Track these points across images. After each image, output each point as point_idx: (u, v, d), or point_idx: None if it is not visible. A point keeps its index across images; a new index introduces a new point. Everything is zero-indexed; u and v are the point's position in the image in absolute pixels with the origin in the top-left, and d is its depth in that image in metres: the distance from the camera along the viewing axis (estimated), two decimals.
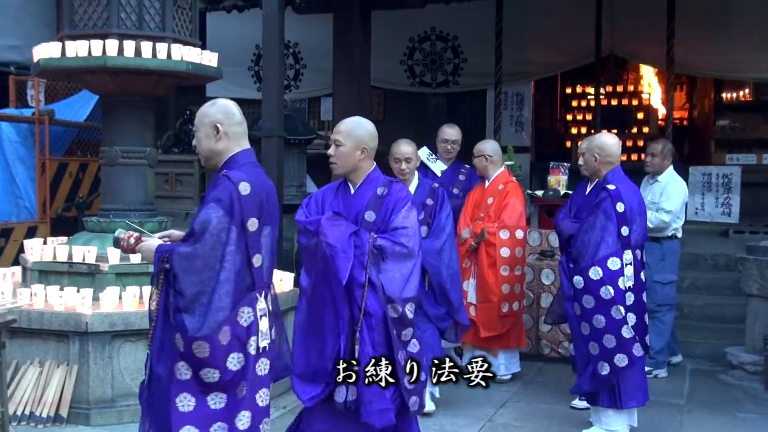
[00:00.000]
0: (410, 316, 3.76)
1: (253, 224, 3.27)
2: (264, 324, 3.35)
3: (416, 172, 5.36)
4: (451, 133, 6.74)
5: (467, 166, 6.89)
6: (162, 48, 5.61)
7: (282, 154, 7.07)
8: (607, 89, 13.09)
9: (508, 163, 8.05)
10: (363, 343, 3.68)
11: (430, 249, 4.94)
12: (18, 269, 6.15)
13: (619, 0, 10.19)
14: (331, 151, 3.93)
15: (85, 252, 5.55)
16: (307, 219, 3.86)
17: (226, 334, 3.19)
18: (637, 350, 4.86)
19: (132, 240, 3.50)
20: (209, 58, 6.01)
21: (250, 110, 12.79)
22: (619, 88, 13.47)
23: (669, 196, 6.66)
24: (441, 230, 5.16)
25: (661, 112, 13.08)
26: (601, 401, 4.99)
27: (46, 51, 5.69)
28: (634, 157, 12.77)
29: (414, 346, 3.81)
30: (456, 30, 11.61)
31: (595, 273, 4.81)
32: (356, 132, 3.88)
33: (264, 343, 3.34)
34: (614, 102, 13.36)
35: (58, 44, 5.65)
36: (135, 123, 5.98)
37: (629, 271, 4.89)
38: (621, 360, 4.81)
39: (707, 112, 12.60)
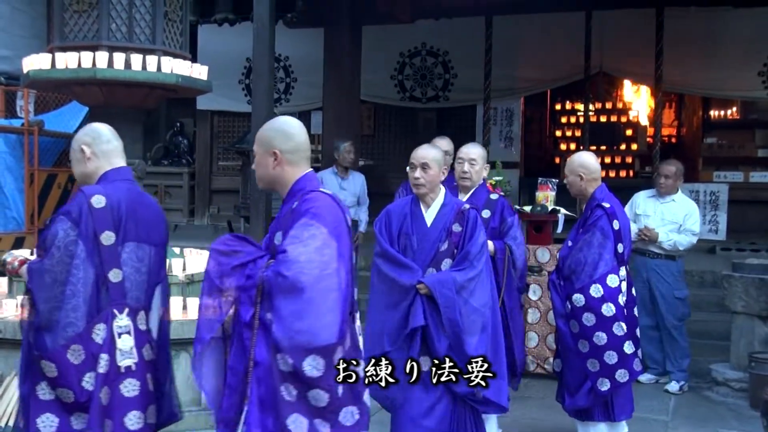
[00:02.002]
0: (315, 373, 2.86)
1: (107, 238, 3.15)
2: (125, 343, 3.18)
3: (442, 188, 4.34)
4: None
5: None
6: (152, 60, 5.63)
7: None
8: (596, 106, 13.16)
9: (497, 178, 8.08)
10: (250, 403, 2.96)
11: (446, 281, 4.01)
12: (4, 280, 6.13)
13: (608, 18, 10.27)
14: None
15: None
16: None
17: (78, 352, 3.07)
18: (637, 365, 4.94)
19: (16, 263, 3.43)
20: (199, 71, 6.03)
21: (240, 123, 12.83)
22: (608, 105, 13.55)
23: (693, 217, 6.85)
24: (464, 260, 4.08)
25: (650, 129, 13.15)
26: (596, 416, 5.01)
27: (36, 62, 5.70)
28: (622, 173, 12.85)
29: (351, 418, 2.97)
30: (446, 45, 11.68)
31: (597, 291, 4.83)
32: (262, 134, 3.19)
33: (126, 362, 3.17)
34: (603, 119, 13.43)
35: (48, 56, 5.66)
36: (124, 135, 5.90)
37: (624, 287, 4.95)
38: (623, 375, 4.85)
39: (695, 130, 12.68)
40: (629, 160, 13.04)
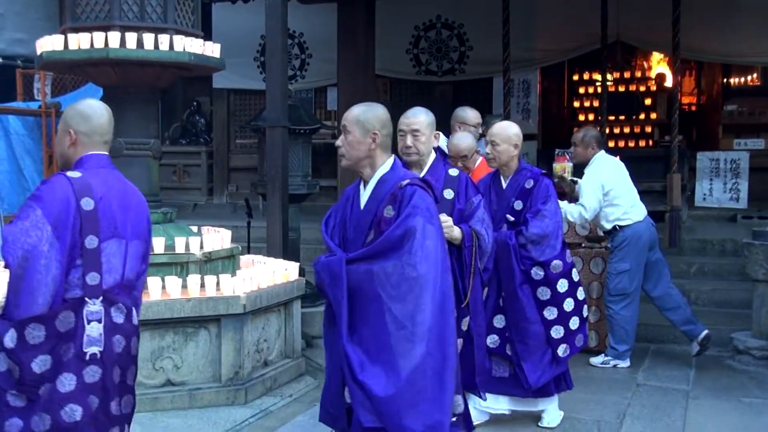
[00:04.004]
0: (10, 344, 2.97)
1: (91, 241, 3.09)
2: (93, 329, 3.11)
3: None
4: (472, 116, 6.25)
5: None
6: (164, 39, 5.61)
7: (287, 144, 7.07)
8: (615, 75, 13.03)
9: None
10: None
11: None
12: None
13: None
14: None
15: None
16: None
17: (38, 332, 3.04)
18: (586, 330, 5.02)
19: None
20: (212, 49, 6.01)
21: (257, 101, 12.82)
22: (627, 75, 13.40)
23: (582, 188, 6.44)
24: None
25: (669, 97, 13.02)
26: (560, 388, 4.99)
27: (48, 44, 5.71)
28: (642, 143, 12.72)
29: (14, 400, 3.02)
30: (461, 18, 11.58)
31: (569, 256, 4.87)
32: (64, 114, 3.32)
33: (93, 349, 3.11)
34: (621, 88, 13.29)
35: (61, 37, 5.66)
36: (138, 114, 5.99)
37: None
38: (579, 340, 4.90)
39: (715, 97, 12.53)
40: (648, 129, 12.91)
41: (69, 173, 3.14)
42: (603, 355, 6.57)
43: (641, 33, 10.71)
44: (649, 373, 6.30)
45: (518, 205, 4.82)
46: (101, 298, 3.11)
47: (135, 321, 3.29)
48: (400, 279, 3.17)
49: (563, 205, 6.29)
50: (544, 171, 4.97)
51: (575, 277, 4.89)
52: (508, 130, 4.88)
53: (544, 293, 4.76)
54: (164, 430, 4.95)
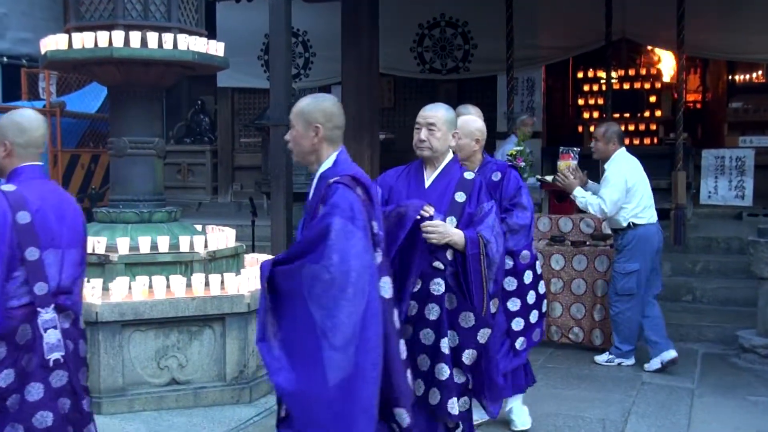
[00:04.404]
0: None
1: (31, 253, 3.15)
2: (51, 336, 3.20)
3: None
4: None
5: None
6: (168, 38, 5.62)
7: None
8: (619, 73, 13.01)
9: (518, 148, 8.04)
10: None
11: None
12: None
13: None
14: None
15: (95, 242, 5.58)
16: None
17: None
18: (544, 325, 4.91)
19: None
20: (215, 48, 6.01)
21: (261, 100, 12.83)
22: (631, 72, 13.38)
23: (606, 182, 6.36)
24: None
25: (674, 95, 13.00)
26: (526, 382, 4.92)
27: (52, 43, 5.71)
28: (646, 141, 12.70)
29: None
30: (465, 16, 11.57)
31: (534, 248, 4.80)
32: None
33: (55, 355, 3.20)
34: (626, 86, 13.26)
35: (65, 36, 5.66)
36: (142, 113, 6.00)
37: None
38: (536, 335, 4.80)
39: (720, 95, 12.51)
40: (653, 127, 12.89)
41: (4, 187, 3.19)
42: (607, 353, 6.56)
43: (646, 30, 10.69)
44: (654, 372, 6.28)
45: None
46: (53, 305, 3.18)
47: (81, 325, 3.37)
48: (314, 281, 3.03)
49: (587, 196, 6.33)
50: (510, 163, 4.89)
51: (538, 269, 4.81)
52: (470, 125, 4.64)
53: (510, 284, 4.59)
54: (169, 429, 4.96)
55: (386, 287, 3.22)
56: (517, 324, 4.66)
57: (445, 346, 3.76)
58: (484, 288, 3.80)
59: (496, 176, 4.67)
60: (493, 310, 3.87)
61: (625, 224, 6.39)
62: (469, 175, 3.99)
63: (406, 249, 3.73)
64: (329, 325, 3.00)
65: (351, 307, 3.01)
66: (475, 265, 3.80)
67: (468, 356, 3.81)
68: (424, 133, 3.92)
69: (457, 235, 3.81)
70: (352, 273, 3.01)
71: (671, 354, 6.30)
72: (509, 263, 4.54)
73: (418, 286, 3.80)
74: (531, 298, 4.72)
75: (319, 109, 3.31)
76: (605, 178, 6.40)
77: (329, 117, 3.32)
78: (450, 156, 4.01)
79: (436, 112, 3.94)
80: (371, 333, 3.06)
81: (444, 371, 3.75)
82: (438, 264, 3.80)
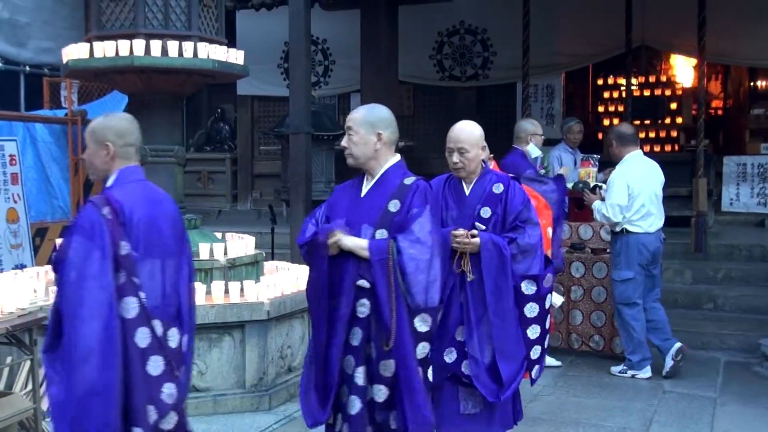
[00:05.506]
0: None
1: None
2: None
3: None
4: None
5: None
6: (188, 47, 5.65)
7: (310, 150, 7.09)
8: (639, 80, 12.95)
9: (538, 155, 8.00)
10: None
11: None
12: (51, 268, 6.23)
13: None
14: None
15: None
16: None
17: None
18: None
19: None
20: (235, 56, 6.04)
21: (281, 108, 12.87)
22: (651, 79, 13.32)
23: (610, 186, 6.31)
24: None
25: (694, 102, 12.92)
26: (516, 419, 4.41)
27: (74, 52, 5.76)
28: (667, 148, 12.63)
29: None
30: (485, 23, 11.58)
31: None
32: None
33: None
34: (647, 92, 13.21)
35: (87, 45, 5.71)
36: (163, 121, 6.04)
37: None
38: (537, 371, 4.27)
39: (741, 101, 12.43)
40: (674, 134, 12.82)
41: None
42: (622, 364, 6.46)
43: (666, 37, 10.65)
44: (675, 380, 6.22)
45: (486, 212, 4.16)
46: None
47: None
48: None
49: (598, 203, 6.30)
50: (511, 174, 4.52)
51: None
52: (475, 133, 4.18)
53: (532, 310, 4.11)
54: None
55: (128, 308, 3.05)
56: (535, 353, 4.16)
57: (359, 376, 3.49)
58: (391, 303, 3.42)
59: (498, 188, 4.17)
60: (425, 328, 3.46)
61: (618, 230, 6.33)
62: (408, 180, 3.62)
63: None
64: (70, 341, 2.98)
65: (85, 324, 2.95)
66: (380, 274, 3.43)
67: (379, 392, 3.48)
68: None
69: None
70: (87, 289, 2.97)
71: (676, 345, 6.25)
72: (532, 288, 4.09)
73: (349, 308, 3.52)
74: (547, 323, 4.24)
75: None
76: (608, 183, 6.39)
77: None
78: (392, 161, 3.67)
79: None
80: (110, 350, 2.97)
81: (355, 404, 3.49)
82: (362, 282, 3.50)
